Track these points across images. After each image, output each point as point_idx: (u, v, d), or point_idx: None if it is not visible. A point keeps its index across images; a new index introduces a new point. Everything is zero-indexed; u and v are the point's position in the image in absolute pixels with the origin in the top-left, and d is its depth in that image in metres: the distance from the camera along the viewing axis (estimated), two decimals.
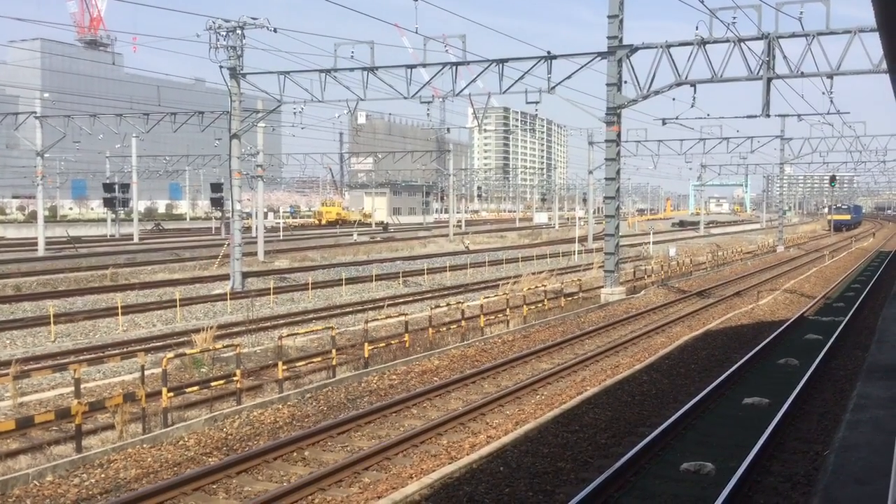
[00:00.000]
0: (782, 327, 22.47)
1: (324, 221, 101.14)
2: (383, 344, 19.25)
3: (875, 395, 12.46)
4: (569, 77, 29.29)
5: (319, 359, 17.63)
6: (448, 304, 24.61)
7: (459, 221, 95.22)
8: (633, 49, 28.60)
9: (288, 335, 18.14)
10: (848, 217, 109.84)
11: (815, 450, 11.42)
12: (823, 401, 14.59)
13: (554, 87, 29.27)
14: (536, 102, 30.03)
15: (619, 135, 30.21)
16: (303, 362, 17.34)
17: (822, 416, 13.42)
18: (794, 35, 26.80)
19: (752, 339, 21.38)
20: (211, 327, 19.85)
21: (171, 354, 14.76)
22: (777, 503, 9.51)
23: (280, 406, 14.16)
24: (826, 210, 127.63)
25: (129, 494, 9.67)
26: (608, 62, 28.72)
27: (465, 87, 31.21)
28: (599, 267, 35.92)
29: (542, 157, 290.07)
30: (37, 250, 48.56)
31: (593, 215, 67.66)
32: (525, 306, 25.37)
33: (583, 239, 59.63)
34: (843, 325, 22.94)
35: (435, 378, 16.77)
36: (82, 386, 12.77)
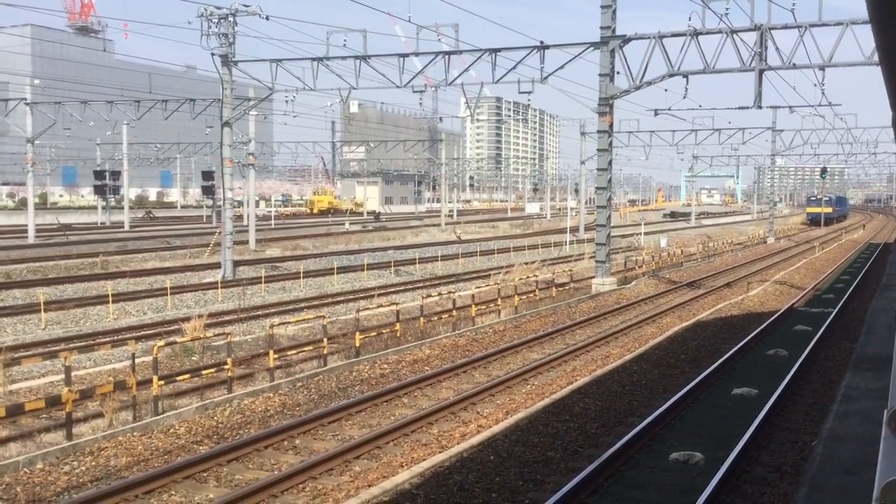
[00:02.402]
0: (772, 318, 22.57)
1: (315, 210, 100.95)
2: (374, 333, 19.25)
3: (863, 386, 12.54)
4: (561, 67, 29.29)
5: (311, 347, 17.64)
6: (439, 294, 24.62)
7: (451, 211, 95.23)
8: (626, 39, 28.59)
9: (279, 324, 18.11)
10: (829, 210, 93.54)
11: (804, 440, 11.50)
12: (812, 391, 14.67)
13: (546, 77, 29.25)
14: (529, 92, 30.02)
15: (611, 125, 30.22)
16: (294, 351, 17.34)
17: (810, 407, 13.50)
18: (786, 26, 26.84)
19: (742, 329, 21.46)
20: (202, 316, 19.83)
21: (161, 342, 14.75)
22: (765, 493, 9.57)
23: (271, 394, 14.17)
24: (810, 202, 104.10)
25: (120, 482, 9.68)
26: (601, 52, 28.70)
27: (457, 77, 31.25)
28: (591, 257, 35.99)
29: (535, 147, 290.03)
30: (27, 237, 48.36)
31: (585, 206, 67.72)
32: (516, 296, 25.41)
33: (574, 229, 59.69)
34: (832, 316, 23.05)
35: (426, 367, 16.80)
36: (73, 374, 12.75)
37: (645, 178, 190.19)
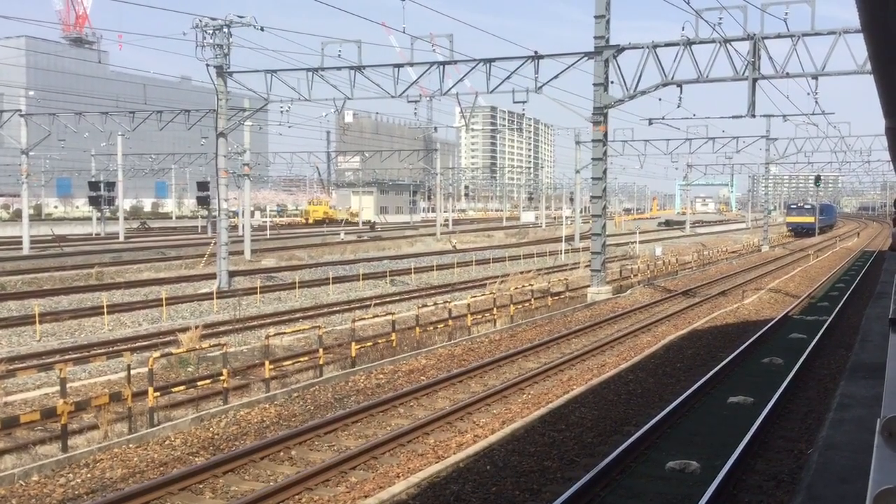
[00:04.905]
0: (767, 326, 22.59)
1: (311, 220, 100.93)
2: (370, 343, 19.25)
3: (858, 394, 12.55)
4: (556, 77, 29.40)
5: (306, 358, 17.62)
6: (435, 304, 24.61)
7: (447, 220, 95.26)
8: (620, 49, 28.69)
9: (275, 334, 18.11)
10: (811, 219, 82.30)
11: (800, 448, 11.51)
12: (808, 400, 14.69)
13: (541, 87, 29.36)
14: (523, 102, 30.13)
15: (605, 134, 30.31)
16: (290, 361, 17.32)
17: (806, 415, 13.52)
18: (779, 36, 26.97)
19: (737, 338, 21.48)
20: (197, 326, 19.77)
21: (157, 354, 14.73)
22: (762, 502, 9.58)
23: (267, 405, 14.15)
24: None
25: (116, 494, 9.65)
26: (595, 62, 28.80)
27: (452, 87, 31.28)
28: (586, 266, 36.03)
29: (530, 156, 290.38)
30: (22, 249, 48.25)
31: (580, 214, 67.81)
32: (512, 305, 25.41)
33: (569, 238, 59.75)
34: (827, 324, 23.08)
35: (422, 377, 16.79)
36: (68, 385, 12.72)
37: (640, 187, 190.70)
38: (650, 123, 39.20)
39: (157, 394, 13.21)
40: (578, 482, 9.59)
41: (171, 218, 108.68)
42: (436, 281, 36.76)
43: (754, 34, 26.76)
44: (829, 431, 10.64)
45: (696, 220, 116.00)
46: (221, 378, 14.47)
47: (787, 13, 26.04)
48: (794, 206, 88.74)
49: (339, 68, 30.97)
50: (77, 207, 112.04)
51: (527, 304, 26.96)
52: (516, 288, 28.15)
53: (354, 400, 14.88)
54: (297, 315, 26.01)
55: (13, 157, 66.39)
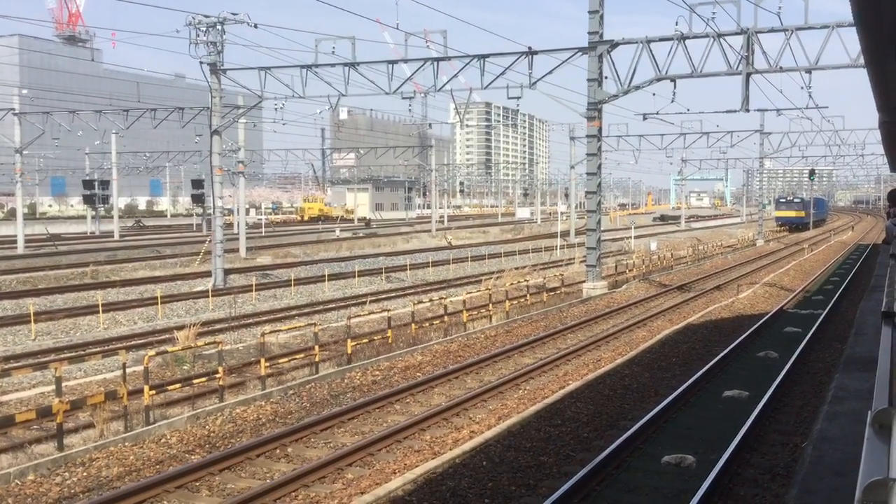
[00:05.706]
0: (762, 320, 22.64)
1: (306, 217, 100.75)
2: (366, 340, 19.25)
3: (853, 387, 12.57)
4: (550, 72, 29.39)
5: (302, 355, 17.62)
6: (431, 300, 24.62)
7: (442, 217, 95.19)
8: (614, 44, 28.69)
9: (270, 332, 18.10)
10: (801, 213, 79.92)
11: (794, 441, 11.55)
12: (802, 393, 14.73)
13: (535, 83, 29.34)
14: (518, 98, 30.10)
15: (600, 130, 30.32)
16: (285, 359, 17.32)
17: (800, 408, 13.56)
18: (772, 30, 27.01)
19: (733, 332, 21.52)
20: (193, 324, 19.76)
21: (152, 352, 14.69)
22: (757, 495, 9.61)
23: (263, 403, 14.15)
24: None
25: (112, 493, 9.65)
26: (589, 57, 28.80)
27: (446, 83, 31.25)
28: (581, 261, 36.05)
29: (524, 152, 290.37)
30: (16, 248, 48.15)
31: (575, 210, 67.83)
32: (507, 301, 25.43)
33: (565, 234, 59.76)
34: (821, 317, 23.13)
35: (418, 374, 16.80)
36: (63, 384, 12.70)
37: (635, 182, 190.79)
38: (644, 118, 39.09)
39: (153, 392, 13.21)
40: (574, 477, 9.61)
41: (165, 216, 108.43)
42: (431, 277, 36.76)
43: (748, 28, 26.78)
44: (824, 424, 10.66)
45: (691, 215, 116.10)
46: (217, 376, 14.46)
47: (780, 7, 26.07)
48: (784, 200, 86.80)
49: (333, 65, 30.94)
50: (72, 206, 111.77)
51: (522, 300, 26.96)
52: (512, 284, 28.16)
53: (350, 397, 14.88)
54: (293, 312, 26.00)
55: (7, 157, 66.12)
